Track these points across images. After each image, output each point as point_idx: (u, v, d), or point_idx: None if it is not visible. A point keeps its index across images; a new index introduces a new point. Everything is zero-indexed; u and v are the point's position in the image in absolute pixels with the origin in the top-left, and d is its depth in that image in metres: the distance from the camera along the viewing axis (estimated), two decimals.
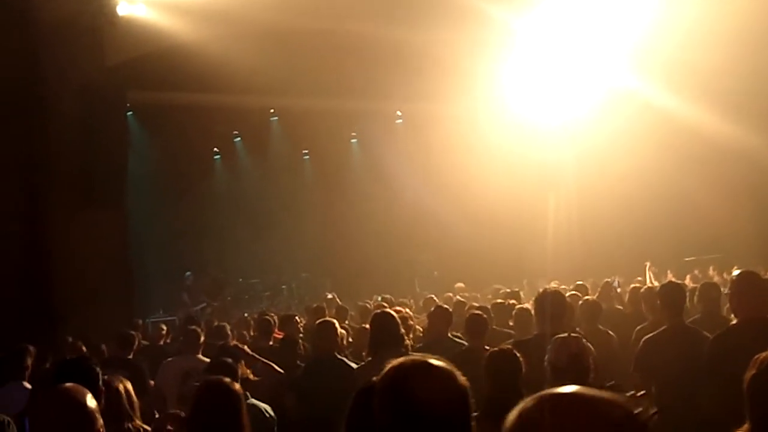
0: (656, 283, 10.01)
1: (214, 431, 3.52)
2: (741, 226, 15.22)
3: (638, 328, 6.40)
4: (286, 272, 20.45)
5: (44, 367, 6.64)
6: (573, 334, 4.24)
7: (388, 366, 2.09)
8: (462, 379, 2.09)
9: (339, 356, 6.33)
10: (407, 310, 8.24)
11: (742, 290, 5.07)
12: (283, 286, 20.12)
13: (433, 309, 7.17)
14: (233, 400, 3.60)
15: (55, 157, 13.29)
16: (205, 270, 19.09)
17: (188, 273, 18.87)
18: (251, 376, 6.09)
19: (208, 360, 6.57)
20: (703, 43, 13.53)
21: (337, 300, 12.33)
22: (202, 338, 7.54)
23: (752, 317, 4.90)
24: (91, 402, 2.41)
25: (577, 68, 16.21)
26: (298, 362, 6.97)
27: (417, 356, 2.14)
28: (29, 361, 6.18)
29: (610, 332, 6.71)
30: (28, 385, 5.96)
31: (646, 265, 12.20)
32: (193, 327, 8.14)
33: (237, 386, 3.74)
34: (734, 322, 5.17)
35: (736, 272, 5.59)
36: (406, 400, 2.01)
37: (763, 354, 3.34)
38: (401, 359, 2.11)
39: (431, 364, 2.08)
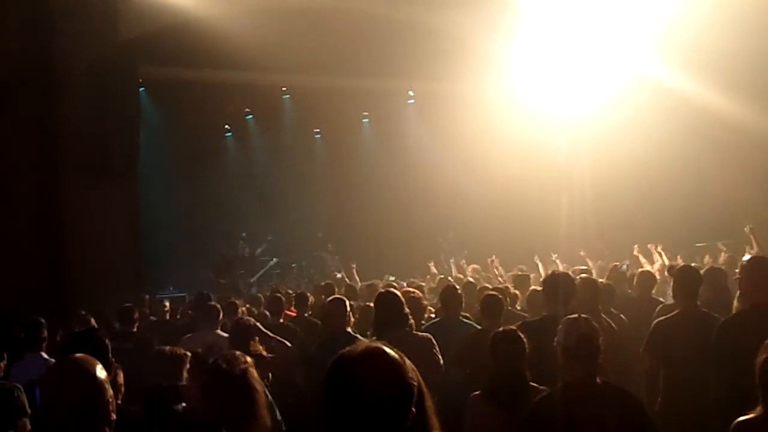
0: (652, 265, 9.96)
1: (226, 404, 3.55)
2: (756, 212, 15.10)
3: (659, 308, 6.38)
4: (297, 250, 20.48)
5: (55, 339, 6.73)
6: (583, 315, 4.25)
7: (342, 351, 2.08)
8: (410, 371, 2.05)
9: (353, 332, 6.38)
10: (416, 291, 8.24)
11: (751, 275, 5.06)
12: (293, 265, 20.15)
13: (442, 290, 7.18)
14: (238, 373, 3.63)
15: (66, 132, 13.32)
16: (214, 247, 19.12)
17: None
18: (265, 353, 6.13)
19: (227, 335, 6.61)
20: (720, 26, 13.38)
21: (346, 279, 12.36)
22: (221, 315, 7.56)
23: (761, 302, 4.89)
24: (101, 372, 2.42)
25: (592, 51, 16.08)
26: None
27: (372, 344, 2.09)
28: (45, 333, 6.30)
29: (622, 316, 6.70)
30: (45, 356, 6.07)
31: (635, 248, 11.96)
32: (213, 303, 8.17)
33: (245, 358, 3.77)
34: (743, 307, 5.17)
35: (746, 257, 5.58)
36: (345, 386, 2.00)
37: None
38: (354, 346, 2.09)
39: (379, 354, 2.04)
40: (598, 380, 3.91)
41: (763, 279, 4.97)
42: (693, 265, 7.38)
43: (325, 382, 2.04)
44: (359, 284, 11.14)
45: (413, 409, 2.03)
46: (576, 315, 4.21)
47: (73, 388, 2.37)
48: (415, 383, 2.05)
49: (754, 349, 3.51)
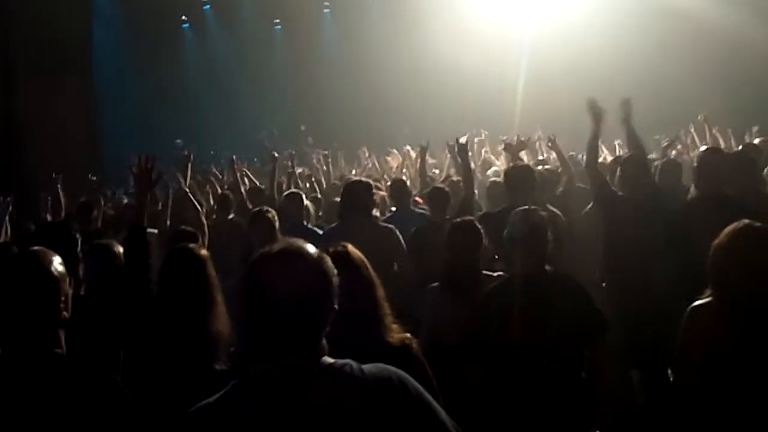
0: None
1: (182, 294, 3.60)
2: (711, 105, 15.26)
3: None
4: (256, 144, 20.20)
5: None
6: (533, 207, 4.32)
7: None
8: (329, 267, 1.98)
9: (309, 226, 6.43)
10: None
11: (703, 165, 5.18)
12: (255, 159, 19.95)
13: (391, 183, 7.30)
14: (197, 264, 3.66)
15: (17, 28, 12.85)
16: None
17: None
18: None
19: None
20: None
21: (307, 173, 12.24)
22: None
23: (711, 192, 5.02)
24: (57, 267, 2.36)
25: None
26: None
27: (291, 241, 2.02)
28: None
29: (556, 210, 6.63)
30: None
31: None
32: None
33: (203, 252, 3.80)
34: (694, 195, 5.30)
35: (702, 148, 5.68)
36: (255, 283, 1.94)
37: (735, 226, 3.36)
38: (274, 245, 2.01)
39: (293, 250, 1.97)
40: (547, 269, 4.02)
41: (714, 169, 5.08)
42: (651, 156, 7.51)
43: (240, 280, 1.97)
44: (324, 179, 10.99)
45: (335, 306, 1.98)
46: (526, 206, 4.29)
47: (25, 282, 2.32)
48: (334, 279, 1.98)
49: (702, 238, 3.58)
